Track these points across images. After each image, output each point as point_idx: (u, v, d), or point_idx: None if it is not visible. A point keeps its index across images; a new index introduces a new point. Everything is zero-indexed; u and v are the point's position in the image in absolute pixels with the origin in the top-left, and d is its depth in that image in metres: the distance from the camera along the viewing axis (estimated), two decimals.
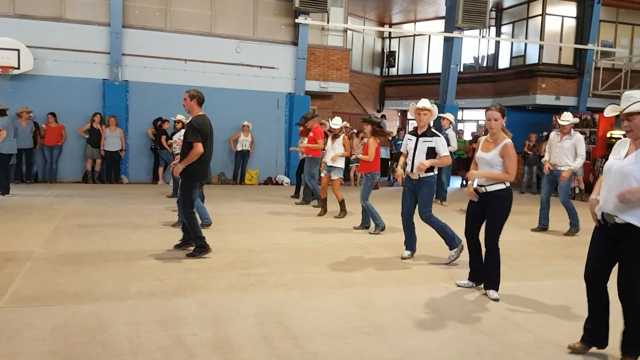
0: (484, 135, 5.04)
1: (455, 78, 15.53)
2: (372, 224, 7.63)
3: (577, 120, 8.32)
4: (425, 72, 19.72)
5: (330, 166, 8.64)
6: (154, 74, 12.94)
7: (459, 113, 17.44)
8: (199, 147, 5.61)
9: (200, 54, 13.31)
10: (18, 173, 11.73)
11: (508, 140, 4.63)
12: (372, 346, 3.56)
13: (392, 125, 20.61)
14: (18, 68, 11.57)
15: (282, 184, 14.14)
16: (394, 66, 20.04)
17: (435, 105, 5.79)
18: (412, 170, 5.71)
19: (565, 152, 7.84)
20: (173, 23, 13.21)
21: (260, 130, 13.93)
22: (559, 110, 17.01)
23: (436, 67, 19.37)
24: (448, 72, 15.48)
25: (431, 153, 5.64)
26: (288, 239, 6.93)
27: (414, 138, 5.78)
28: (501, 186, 4.62)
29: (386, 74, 20.23)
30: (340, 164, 8.64)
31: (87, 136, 12.22)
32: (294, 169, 14.39)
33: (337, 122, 8.84)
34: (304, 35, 13.88)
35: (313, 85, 14.45)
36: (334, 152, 8.57)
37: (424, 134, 5.72)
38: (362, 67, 19.74)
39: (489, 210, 4.65)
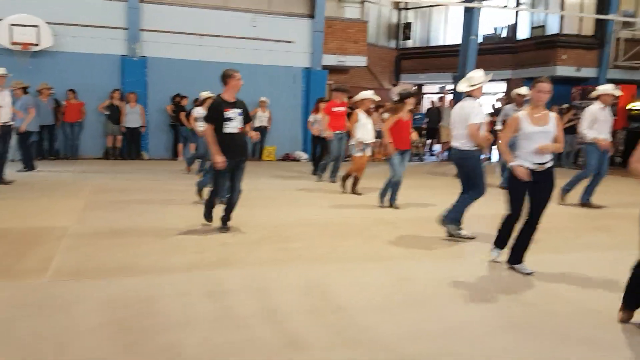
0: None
1: (475, 50, 15.26)
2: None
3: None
4: (442, 43, 19.37)
5: (367, 143, 8.24)
6: (171, 50, 12.83)
7: None
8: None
9: (216, 29, 13.15)
10: (40, 150, 11.81)
11: (555, 113, 4.59)
12: (419, 318, 3.59)
13: None
14: (38, 45, 11.54)
15: (299, 160, 14.12)
16: (409, 38, 19.68)
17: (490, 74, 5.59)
18: None
19: (609, 123, 7.70)
20: None
21: (277, 106, 13.83)
22: (579, 82, 16.80)
23: (453, 38, 19.04)
24: (467, 43, 15.21)
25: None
26: (315, 215, 6.95)
27: None
28: (553, 161, 4.51)
29: (402, 47, 19.90)
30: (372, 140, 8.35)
31: (107, 113, 12.24)
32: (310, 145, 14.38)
33: (366, 94, 8.32)
34: (320, 8, 13.64)
35: (330, 59, 14.27)
36: (370, 128, 8.18)
37: None
38: (378, 39, 19.42)
39: (544, 188, 4.45)
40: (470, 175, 5.58)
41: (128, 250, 4.95)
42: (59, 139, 12.22)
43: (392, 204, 7.39)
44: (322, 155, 10.58)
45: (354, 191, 8.42)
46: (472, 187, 5.57)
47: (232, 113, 5.42)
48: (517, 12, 18.00)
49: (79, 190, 7.95)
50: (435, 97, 18.12)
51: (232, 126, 5.42)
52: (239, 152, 5.56)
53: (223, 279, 4.24)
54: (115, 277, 4.22)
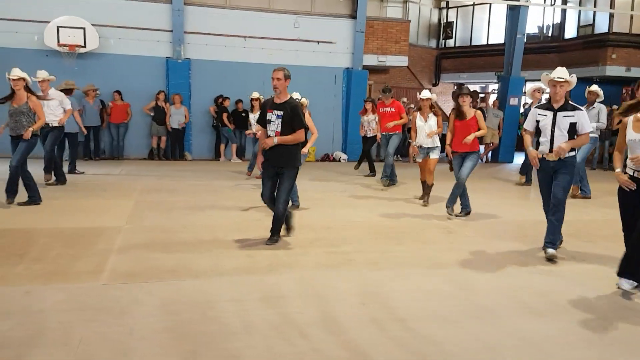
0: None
1: (521, 49, 14.81)
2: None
3: None
4: (484, 43, 18.91)
5: (430, 147, 7.67)
6: (214, 52, 12.96)
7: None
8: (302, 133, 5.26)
9: (259, 30, 13.21)
10: (86, 150, 12.11)
11: None
12: (486, 330, 3.40)
13: (448, 100, 19.97)
14: (84, 46, 11.82)
15: (339, 161, 14.01)
16: (451, 37, 19.30)
17: (574, 75, 4.99)
18: (550, 151, 4.94)
19: None
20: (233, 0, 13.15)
21: (317, 107, 13.69)
22: (629, 82, 16.06)
23: (497, 37, 18.56)
24: (514, 42, 14.76)
25: (572, 129, 4.87)
26: (363, 217, 6.82)
27: (549, 113, 4.93)
28: None
29: (442, 46, 19.53)
30: (438, 142, 7.76)
31: (152, 114, 12.43)
32: (351, 145, 14.26)
33: (426, 94, 7.86)
34: (362, 8, 13.50)
35: (371, 60, 14.12)
36: (429, 130, 7.60)
37: (563, 108, 4.89)
38: (418, 39, 19.11)
39: None
40: (569, 182, 5.01)
41: (180, 252, 4.93)
42: (105, 140, 12.48)
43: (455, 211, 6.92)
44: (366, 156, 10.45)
45: (422, 199, 7.92)
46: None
47: (271, 115, 5.15)
48: (564, 10, 17.40)
49: (129, 191, 8.06)
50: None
51: (271, 129, 5.14)
52: (279, 158, 5.16)
53: (277, 284, 4.15)
54: (170, 280, 4.19)
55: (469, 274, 4.58)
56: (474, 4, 18.94)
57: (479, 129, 6.69)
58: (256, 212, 6.87)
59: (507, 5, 14.92)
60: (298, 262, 4.76)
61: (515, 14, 14.77)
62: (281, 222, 5.31)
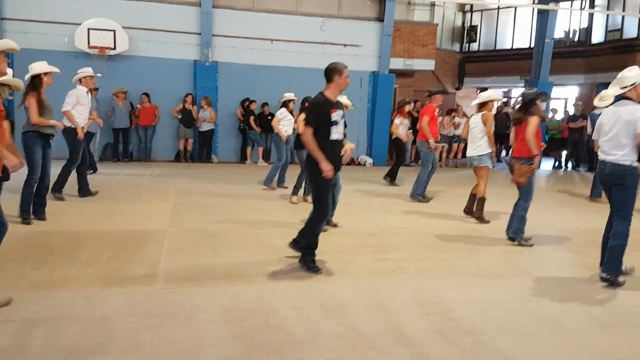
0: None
1: (549, 53, 14.63)
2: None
3: None
4: (509, 47, 18.72)
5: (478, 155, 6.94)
6: (241, 54, 12.95)
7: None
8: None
9: (286, 33, 13.18)
10: (115, 152, 12.18)
11: None
12: (563, 345, 3.32)
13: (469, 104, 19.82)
14: (114, 48, 11.88)
15: (364, 165, 13.94)
16: (475, 41, 19.13)
17: None
18: None
19: None
20: (260, 2, 13.13)
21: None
22: None
23: (522, 41, 18.38)
24: (542, 47, 14.59)
25: None
26: (404, 223, 6.74)
27: None
28: None
29: (466, 50, 19.37)
30: (485, 148, 6.92)
31: (179, 116, 12.46)
32: (376, 149, 14.19)
33: (485, 95, 7.28)
34: (390, 11, 13.42)
35: (397, 63, 14.03)
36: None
37: None
38: (441, 42, 18.97)
39: None
40: (628, 194, 4.49)
41: (229, 257, 4.90)
42: (133, 142, 12.53)
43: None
44: (398, 161, 10.33)
45: (476, 215, 7.08)
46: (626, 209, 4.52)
47: (337, 115, 4.53)
48: (591, 14, 17.17)
49: (164, 193, 8.07)
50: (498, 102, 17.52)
51: (338, 131, 4.57)
52: (340, 162, 4.76)
53: (333, 292, 4.09)
54: (226, 285, 4.16)
55: (526, 284, 4.48)
56: (498, 8, 18.79)
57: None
58: (294, 216, 6.83)
59: (537, 9, 14.73)
60: (349, 269, 4.70)
61: (544, 18, 14.61)
62: None
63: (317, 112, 4.50)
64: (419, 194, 8.36)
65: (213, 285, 4.15)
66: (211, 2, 12.53)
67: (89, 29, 11.70)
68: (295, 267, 4.67)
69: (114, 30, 11.81)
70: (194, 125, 12.53)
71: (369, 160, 13.95)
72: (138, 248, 5.07)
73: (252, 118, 12.63)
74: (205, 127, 12.53)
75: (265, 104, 12.83)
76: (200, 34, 12.64)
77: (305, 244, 4.67)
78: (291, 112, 9.03)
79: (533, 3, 16.70)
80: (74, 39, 11.71)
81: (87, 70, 7.42)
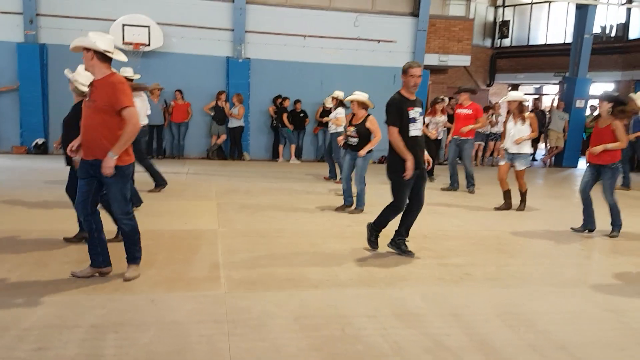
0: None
1: (588, 49, 14.18)
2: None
3: None
4: (543, 42, 18.28)
5: (514, 153, 7.24)
6: (273, 51, 12.82)
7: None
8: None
9: (319, 29, 13.01)
10: (149, 149, 12.14)
11: None
12: None
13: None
14: (148, 45, 11.83)
15: None
16: (507, 37, 18.71)
17: None
18: None
19: None
20: None
21: (374, 107, 13.47)
22: None
23: (556, 37, 17.93)
24: (580, 42, 14.15)
25: None
26: (455, 225, 6.51)
27: None
28: None
29: (498, 45, 18.96)
30: (527, 148, 7.25)
31: (212, 113, 12.38)
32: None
33: (515, 96, 7.47)
34: (425, 6, 13.14)
35: (431, 59, 13.75)
36: (519, 134, 7.14)
37: None
38: (473, 38, 18.60)
39: None
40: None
41: (287, 259, 4.75)
42: (166, 139, 12.49)
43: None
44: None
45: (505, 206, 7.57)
46: None
47: (414, 113, 4.75)
48: (628, 9, 16.65)
49: (206, 192, 7.98)
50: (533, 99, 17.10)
51: (417, 128, 4.76)
52: (422, 158, 4.87)
53: (402, 299, 3.91)
54: (291, 290, 4.00)
55: (605, 292, 4.24)
56: (532, 2, 18.35)
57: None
58: (343, 217, 6.67)
59: (575, 4, 14.30)
60: (413, 274, 4.51)
61: (582, 14, 14.17)
62: None
63: (395, 111, 4.70)
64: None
65: (278, 290, 4.00)
66: None
67: (123, 25, 11.67)
68: (356, 270, 4.51)
69: (149, 27, 11.77)
70: (226, 123, 12.44)
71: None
72: (193, 249, 4.96)
73: (285, 115, 12.49)
74: (234, 123, 12.41)
75: (297, 101, 12.68)
76: (233, 30, 12.54)
77: (375, 222, 5.09)
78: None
79: None
80: (108, 35, 11.67)
81: (128, 71, 7.43)
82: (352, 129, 6.93)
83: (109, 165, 3.77)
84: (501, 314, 3.71)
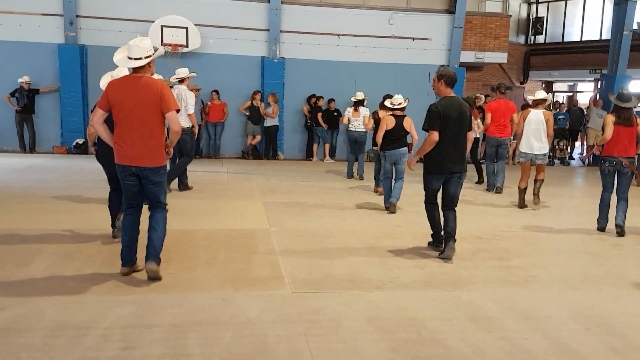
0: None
1: (627, 46, 13.81)
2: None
3: None
4: (578, 39, 17.90)
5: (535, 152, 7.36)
6: (308, 50, 12.81)
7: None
8: (432, 136, 4.89)
9: (353, 28, 12.94)
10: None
11: None
12: None
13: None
14: (187, 46, 11.95)
15: None
16: (541, 33, 18.38)
17: None
18: None
19: None
20: None
21: (409, 106, 13.31)
22: None
23: (591, 33, 17.54)
24: (619, 39, 13.79)
25: None
26: (507, 225, 6.40)
27: None
28: None
29: (532, 42, 18.64)
30: (547, 147, 7.44)
31: (247, 113, 12.44)
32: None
33: (541, 95, 7.59)
34: (462, 2, 12.96)
35: (467, 56, 13.57)
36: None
37: None
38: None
39: None
40: None
41: (344, 259, 4.74)
42: (203, 138, 12.59)
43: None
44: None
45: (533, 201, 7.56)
46: None
47: None
48: None
49: (248, 191, 8.01)
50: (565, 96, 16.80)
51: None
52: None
53: (472, 302, 3.85)
54: (356, 291, 3.98)
55: None
56: None
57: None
58: (389, 217, 6.63)
59: (613, 0, 13.96)
60: (476, 276, 4.45)
61: (621, 10, 13.80)
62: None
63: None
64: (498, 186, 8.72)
65: (342, 291, 3.99)
66: None
67: (162, 26, 11.80)
68: (416, 272, 4.48)
69: (187, 28, 11.88)
70: (261, 122, 12.49)
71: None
72: (250, 248, 4.98)
73: (319, 114, 12.48)
74: (269, 122, 12.44)
75: (331, 100, 12.65)
76: (268, 30, 12.56)
77: None
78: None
79: None
80: (147, 36, 11.82)
81: (185, 71, 7.67)
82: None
83: None
84: (575, 317, 3.64)
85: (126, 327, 3.22)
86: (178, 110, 4.06)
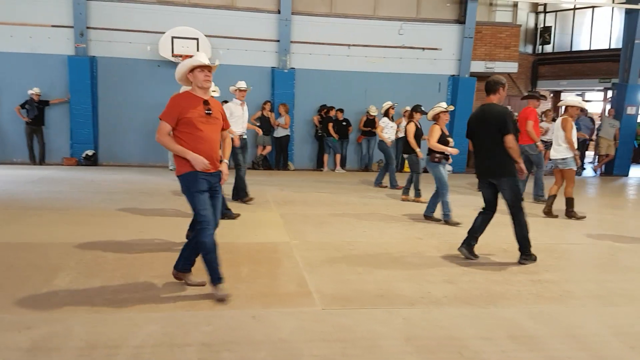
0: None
1: (639, 55, 13.75)
2: None
3: None
4: (586, 48, 17.86)
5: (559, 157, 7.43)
6: (318, 61, 12.78)
7: None
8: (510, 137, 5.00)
9: (363, 38, 12.93)
10: None
11: None
12: None
13: (543, 108, 19.00)
14: None
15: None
16: (548, 43, 18.35)
17: None
18: None
19: None
20: (337, 7, 12.93)
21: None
22: None
23: (600, 42, 17.50)
24: (631, 48, 13.72)
25: None
26: (532, 238, 6.21)
27: None
28: None
29: (539, 52, 18.60)
30: (567, 151, 7.40)
31: (257, 124, 12.36)
32: (455, 156, 13.61)
33: (574, 100, 7.57)
34: (472, 12, 12.95)
35: (477, 66, 13.52)
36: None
37: None
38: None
39: None
40: None
41: (372, 274, 4.61)
42: None
43: None
44: None
45: (568, 214, 7.50)
46: None
47: None
48: None
49: (263, 203, 7.91)
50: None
51: None
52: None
53: (511, 319, 3.72)
54: (388, 307, 3.86)
55: None
56: (574, 8, 17.95)
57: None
58: (411, 229, 6.52)
59: (625, 9, 13.93)
60: (509, 291, 4.32)
61: (632, 18, 13.75)
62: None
63: (510, 121, 5.00)
64: (541, 195, 8.85)
65: (374, 307, 3.87)
66: (290, 9, 12.44)
67: (172, 38, 11.78)
68: (448, 287, 4.35)
69: (197, 39, 11.86)
70: (271, 133, 12.42)
71: (449, 168, 13.43)
72: (274, 262, 4.87)
73: (330, 125, 12.41)
74: (280, 132, 12.38)
75: (340, 110, 12.59)
76: (278, 41, 12.55)
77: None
78: (392, 119, 9.31)
79: (613, 2, 15.88)
80: (156, 47, 11.82)
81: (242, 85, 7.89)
82: (452, 141, 6.99)
83: (227, 172, 4.13)
84: (618, 334, 3.51)
85: (157, 345, 3.11)
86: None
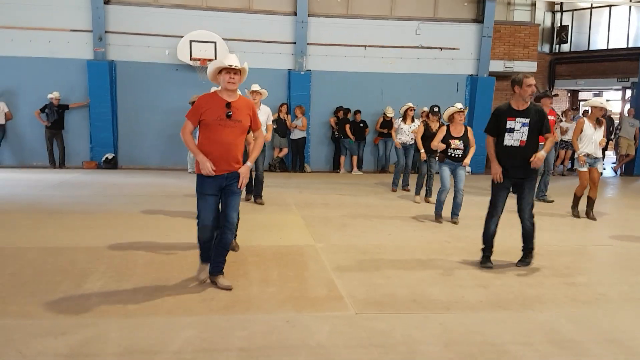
0: None
1: None
2: None
3: None
4: (604, 47, 17.61)
5: (596, 157, 7.32)
6: (334, 62, 12.75)
7: None
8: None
9: (380, 39, 12.86)
10: None
11: None
12: None
13: (560, 108, 18.78)
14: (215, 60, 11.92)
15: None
16: (565, 42, 18.13)
17: None
18: None
19: None
20: (354, 8, 12.89)
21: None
22: None
23: (618, 41, 17.25)
24: None
25: None
26: (561, 240, 6.14)
27: None
28: None
29: (556, 51, 18.38)
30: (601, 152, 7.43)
31: (274, 126, 12.35)
32: (474, 157, 13.43)
33: (598, 102, 7.40)
34: (490, 12, 12.82)
35: (496, 66, 13.40)
36: (599, 139, 7.24)
37: None
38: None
39: None
40: None
41: (401, 278, 4.57)
42: None
43: None
44: None
45: (588, 215, 7.48)
46: None
47: (514, 123, 4.74)
48: None
49: (284, 205, 7.90)
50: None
51: (514, 138, 4.76)
52: (518, 169, 4.81)
53: (548, 322, 3.66)
54: (422, 312, 3.82)
55: None
56: (591, 7, 17.72)
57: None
58: (436, 231, 6.45)
59: None
60: (544, 295, 4.25)
61: None
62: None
63: (491, 120, 4.92)
64: (543, 196, 8.73)
65: (408, 312, 3.82)
66: (306, 11, 12.42)
67: (190, 41, 11.81)
68: (481, 291, 4.28)
69: (215, 42, 11.87)
70: (288, 135, 12.41)
71: (467, 169, 13.33)
72: (301, 265, 4.84)
73: (347, 126, 12.37)
74: (297, 134, 12.36)
75: (357, 112, 12.54)
76: (295, 43, 12.53)
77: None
78: (412, 120, 9.33)
79: (630, 1, 15.66)
80: (175, 51, 11.86)
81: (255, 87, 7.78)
82: (457, 141, 6.82)
83: (248, 174, 4.04)
84: None
85: (196, 351, 3.09)
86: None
